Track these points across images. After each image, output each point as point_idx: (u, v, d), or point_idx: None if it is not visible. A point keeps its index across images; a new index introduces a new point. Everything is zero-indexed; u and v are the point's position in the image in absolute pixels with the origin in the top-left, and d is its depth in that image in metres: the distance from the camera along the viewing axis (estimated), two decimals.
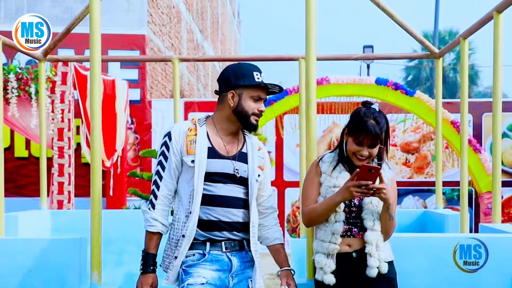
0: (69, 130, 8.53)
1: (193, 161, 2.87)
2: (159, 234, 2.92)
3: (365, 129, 2.97)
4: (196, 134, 2.92)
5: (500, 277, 3.38)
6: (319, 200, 3.06)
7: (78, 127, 9.84)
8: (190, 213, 2.86)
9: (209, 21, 19.77)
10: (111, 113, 9.63)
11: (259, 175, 3.05)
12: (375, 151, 3.03)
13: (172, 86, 13.41)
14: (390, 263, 3.04)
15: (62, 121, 8.49)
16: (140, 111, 11.19)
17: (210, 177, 2.90)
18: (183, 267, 2.90)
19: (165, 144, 2.93)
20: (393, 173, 3.17)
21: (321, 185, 3.08)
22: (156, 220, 2.89)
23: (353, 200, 3.04)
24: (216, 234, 2.91)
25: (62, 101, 8.46)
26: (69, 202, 8.40)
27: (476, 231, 9.94)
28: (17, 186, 10.76)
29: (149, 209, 2.90)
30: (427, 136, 10.90)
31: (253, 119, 2.99)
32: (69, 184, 8.45)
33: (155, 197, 2.90)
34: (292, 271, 3.14)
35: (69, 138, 8.54)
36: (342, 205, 3.02)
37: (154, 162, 10.89)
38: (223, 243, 2.92)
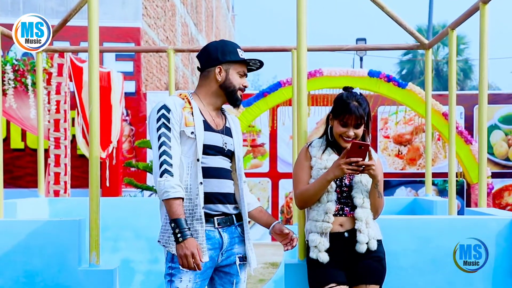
0: (65, 121, 8.64)
1: (192, 133, 2.93)
2: (182, 199, 2.88)
3: (349, 110, 3.13)
4: (192, 107, 3.00)
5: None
6: (311, 182, 3.19)
7: (73, 119, 9.94)
8: (198, 184, 2.89)
9: (203, 14, 19.84)
10: (106, 105, 9.70)
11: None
12: (360, 131, 3.17)
13: (167, 78, 13.50)
14: (379, 242, 3.17)
15: (58, 112, 8.58)
16: (135, 103, 11.29)
17: (205, 149, 2.97)
18: None
19: (163, 116, 2.93)
20: (377, 155, 3.29)
21: (312, 168, 3.20)
22: (179, 186, 2.86)
23: (344, 180, 3.17)
24: (210, 207, 2.97)
25: (58, 92, 8.56)
26: (65, 192, 8.51)
27: None
28: (13, 178, 10.84)
29: (166, 177, 2.83)
30: (419, 128, 11.01)
31: (239, 94, 3.11)
32: (65, 174, 8.55)
33: (170, 165, 2.85)
34: (282, 222, 3.25)
35: (65, 129, 8.64)
36: (334, 185, 3.14)
37: (149, 153, 11.00)
38: (215, 218, 2.99)
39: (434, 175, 9.07)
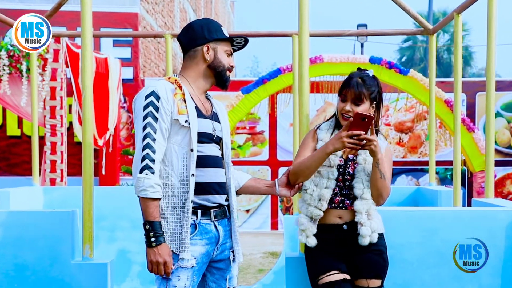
0: (61, 108, 8.48)
1: (186, 121, 2.76)
2: (159, 200, 2.73)
3: (348, 84, 3.02)
4: (183, 93, 2.83)
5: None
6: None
7: (70, 106, 9.80)
8: (190, 176, 2.74)
9: (202, 0, 19.63)
10: (103, 91, 9.57)
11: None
12: (358, 110, 2.98)
13: (165, 65, 13.35)
14: (381, 236, 3.04)
15: (53, 98, 8.43)
16: (133, 90, 11.13)
17: (199, 137, 2.81)
18: None
19: (152, 104, 2.72)
20: (387, 143, 3.15)
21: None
22: (159, 185, 2.69)
23: (347, 168, 3.02)
24: (208, 198, 2.84)
25: (53, 78, 8.40)
26: (61, 180, 8.38)
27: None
28: (9, 165, 10.73)
29: (146, 174, 2.67)
30: (421, 115, 10.89)
31: (227, 74, 2.96)
32: (61, 162, 8.41)
33: (152, 161, 2.67)
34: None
35: (61, 116, 8.49)
36: (336, 173, 3.00)
37: None
38: (212, 211, 2.85)
39: (436, 163, 8.95)
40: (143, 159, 2.69)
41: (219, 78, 2.94)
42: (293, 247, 4.64)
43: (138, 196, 2.72)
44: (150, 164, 2.69)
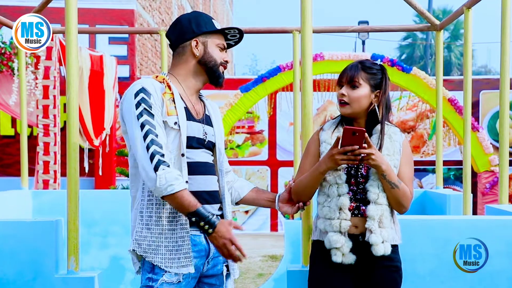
0: (54, 107, 8.24)
1: (175, 123, 2.53)
2: (187, 189, 2.48)
3: (345, 69, 2.79)
4: (172, 93, 2.59)
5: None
6: None
7: (65, 105, 9.57)
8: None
9: None
10: (99, 90, 9.37)
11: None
12: (354, 94, 2.74)
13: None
14: (396, 249, 2.75)
15: (46, 97, 8.19)
16: None
17: (188, 142, 2.57)
18: None
19: (143, 101, 2.48)
20: (404, 137, 2.88)
21: (321, 156, 2.78)
22: (180, 176, 2.46)
23: (360, 170, 2.73)
24: None
25: (46, 77, 8.15)
26: (55, 181, 8.14)
27: (475, 212, 9.75)
28: (3, 165, 10.51)
29: (164, 169, 2.41)
30: (423, 114, 10.66)
31: (221, 69, 2.72)
32: (54, 163, 8.17)
33: (162, 155, 2.43)
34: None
35: (54, 116, 8.25)
36: (344, 177, 2.70)
37: None
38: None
39: None
40: (152, 157, 2.44)
41: (211, 75, 2.69)
42: (294, 255, 4.41)
43: (165, 195, 2.44)
44: (162, 158, 2.44)
